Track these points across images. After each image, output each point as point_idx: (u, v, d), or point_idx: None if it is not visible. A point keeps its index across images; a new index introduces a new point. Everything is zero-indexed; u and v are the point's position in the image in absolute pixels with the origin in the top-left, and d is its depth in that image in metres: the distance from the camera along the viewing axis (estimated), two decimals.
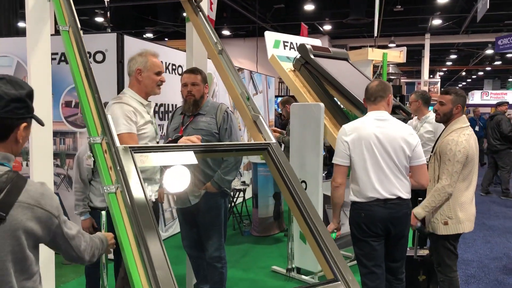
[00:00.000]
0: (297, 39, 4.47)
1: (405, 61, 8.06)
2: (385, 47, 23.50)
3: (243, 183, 6.10)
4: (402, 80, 15.86)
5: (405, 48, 8.26)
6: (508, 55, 25.06)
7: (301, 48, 4.00)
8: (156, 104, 4.80)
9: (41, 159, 2.65)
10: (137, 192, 1.71)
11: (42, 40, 2.69)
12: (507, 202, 7.82)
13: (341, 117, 3.71)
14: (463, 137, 2.84)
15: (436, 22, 19.75)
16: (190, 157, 1.89)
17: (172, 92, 5.09)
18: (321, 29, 20.71)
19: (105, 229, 2.20)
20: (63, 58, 4.44)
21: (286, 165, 2.03)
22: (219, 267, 3.03)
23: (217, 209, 3.01)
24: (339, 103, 3.87)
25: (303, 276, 4.04)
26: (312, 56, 3.93)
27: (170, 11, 16.60)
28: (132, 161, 1.80)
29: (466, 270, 4.40)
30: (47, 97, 2.71)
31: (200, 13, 2.92)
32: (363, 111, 3.58)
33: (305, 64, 3.96)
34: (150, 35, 21.12)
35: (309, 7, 16.84)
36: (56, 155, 4.47)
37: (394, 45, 22.92)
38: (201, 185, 2.98)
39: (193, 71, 3.03)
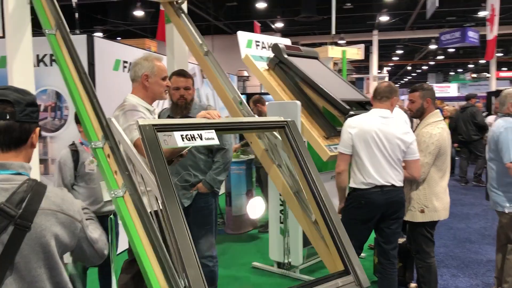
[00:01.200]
0: (268, 39, 4.55)
1: (363, 58, 8.37)
2: (335, 44, 24.12)
3: None
4: (352, 76, 16.33)
5: (363, 46, 8.58)
6: (450, 50, 26.35)
7: (275, 47, 4.09)
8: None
9: None
10: (164, 178, 1.65)
11: (23, 43, 2.62)
12: (462, 190, 8.29)
13: (317, 114, 3.83)
14: (437, 130, 3.06)
15: (383, 19, 20.45)
16: (213, 136, 1.85)
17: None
18: (273, 26, 20.92)
19: (113, 234, 2.18)
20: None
21: (302, 146, 2.05)
22: (211, 266, 3.07)
23: (208, 209, 3.05)
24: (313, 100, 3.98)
25: (289, 272, 4.13)
26: (285, 56, 4.03)
27: (120, 9, 16.24)
28: (156, 141, 1.70)
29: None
30: None
31: (182, 14, 2.94)
32: (337, 107, 3.73)
33: (279, 63, 4.05)
34: (99, 34, 20.58)
35: (261, 5, 16.97)
36: None
37: (344, 41, 23.56)
38: (191, 187, 3.01)
39: (185, 75, 2.96)
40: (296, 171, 2.14)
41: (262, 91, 13.86)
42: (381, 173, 2.89)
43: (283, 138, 2.13)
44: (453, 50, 26.35)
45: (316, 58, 4.49)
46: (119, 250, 3.63)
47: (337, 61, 7.81)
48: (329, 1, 16.57)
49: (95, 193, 3.13)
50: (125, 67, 4.68)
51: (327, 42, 24.28)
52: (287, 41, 4.86)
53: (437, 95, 3.26)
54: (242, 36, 4.30)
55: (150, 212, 1.81)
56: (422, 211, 3.09)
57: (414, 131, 3.15)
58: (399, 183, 2.95)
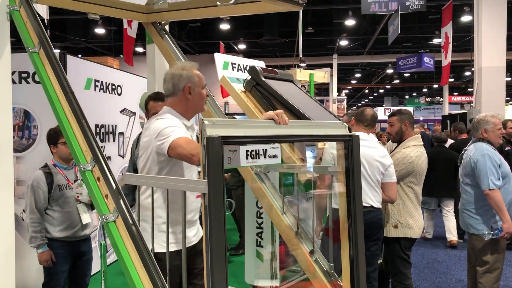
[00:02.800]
0: (244, 61, 4.57)
1: (329, 81, 8.57)
2: (297, 66, 24.55)
3: None
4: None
5: (329, 69, 8.79)
6: (406, 74, 27.44)
7: (252, 70, 4.10)
8: (97, 126, 4.62)
9: (3, 188, 2.45)
10: (218, 205, 1.39)
11: (2, 62, 2.51)
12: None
13: None
14: (415, 153, 3.18)
15: (343, 43, 21.11)
16: (277, 154, 1.64)
17: (113, 113, 4.94)
18: (236, 48, 21.15)
19: (104, 259, 2.09)
20: None
21: (357, 162, 1.92)
22: None
23: None
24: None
25: None
26: (262, 78, 4.06)
27: (79, 26, 15.96)
28: (221, 159, 1.39)
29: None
30: (9, 122, 2.53)
31: (165, 35, 2.91)
32: None
33: (256, 85, 4.07)
34: (58, 51, 20.06)
35: (224, 26, 17.15)
36: None
37: (305, 64, 24.06)
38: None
39: (163, 98, 2.83)
40: (340, 186, 2.03)
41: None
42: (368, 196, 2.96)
43: (340, 151, 1.97)
44: (408, 74, 27.48)
45: (291, 81, 4.55)
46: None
47: (304, 83, 7.98)
48: (291, 25, 16.90)
49: (70, 217, 3.01)
50: (96, 86, 4.57)
51: (291, 64, 24.74)
52: (262, 64, 4.91)
53: None
54: (219, 58, 4.30)
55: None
56: (396, 226, 3.19)
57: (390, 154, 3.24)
58: (377, 204, 3.04)
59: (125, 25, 7.41)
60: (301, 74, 7.71)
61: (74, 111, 2.05)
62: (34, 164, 3.72)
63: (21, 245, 3.69)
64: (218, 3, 2.43)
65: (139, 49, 17.91)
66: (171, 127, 2.06)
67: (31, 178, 3.06)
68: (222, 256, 1.41)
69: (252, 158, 1.55)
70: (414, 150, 3.20)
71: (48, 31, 5.36)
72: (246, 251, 4.18)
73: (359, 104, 45.69)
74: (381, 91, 36.51)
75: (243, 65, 4.54)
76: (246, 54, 22.65)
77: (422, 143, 3.30)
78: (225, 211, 1.45)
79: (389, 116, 3.42)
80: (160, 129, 2.06)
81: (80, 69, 4.35)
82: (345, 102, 26.99)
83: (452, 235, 5.92)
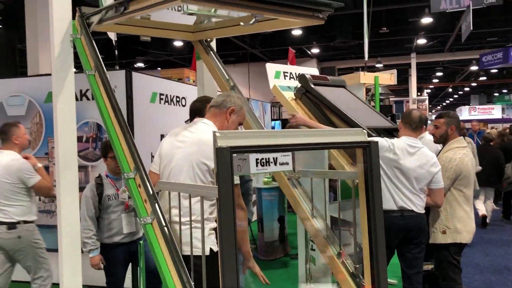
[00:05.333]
0: (296, 69, 4.71)
1: (396, 83, 8.39)
2: (373, 67, 24.10)
3: None
4: (391, 99, 16.20)
5: (395, 71, 8.60)
6: (493, 71, 25.74)
7: (302, 78, 4.24)
8: (162, 135, 4.99)
9: (69, 193, 2.81)
10: (228, 212, 1.54)
11: (67, 81, 2.85)
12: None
13: None
14: (458, 155, 3.12)
15: (421, 41, 20.32)
16: (288, 161, 1.74)
17: (178, 123, 5.29)
18: (309, 52, 21.18)
19: (142, 256, 2.35)
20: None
21: (377, 169, 1.99)
22: None
23: None
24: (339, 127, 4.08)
25: None
26: (312, 85, 4.16)
27: (160, 40, 16.92)
28: (230, 167, 1.55)
29: (469, 284, 4.57)
30: (73, 134, 2.88)
31: (211, 52, 3.14)
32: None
33: (306, 93, 4.19)
34: (141, 64, 21.43)
35: (296, 32, 17.27)
36: None
37: (381, 65, 23.50)
38: None
39: None
40: (361, 192, 2.06)
41: None
42: (402, 198, 2.98)
43: (360, 158, 2.02)
44: (496, 70, 25.77)
45: (343, 86, 4.60)
46: None
47: (369, 86, 7.87)
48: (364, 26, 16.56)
49: (117, 225, 3.35)
50: (161, 99, 4.96)
51: (363, 66, 24.24)
52: (315, 71, 5.01)
53: (480, 117, 3.29)
54: (271, 68, 4.48)
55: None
56: (444, 232, 3.14)
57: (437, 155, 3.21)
58: (420, 209, 3.01)
59: None
60: (365, 77, 7.61)
61: (121, 126, 2.33)
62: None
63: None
64: (241, 23, 2.60)
65: None
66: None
67: (85, 189, 3.43)
68: (233, 254, 1.56)
69: (262, 165, 1.69)
70: (457, 153, 3.15)
71: (116, 51, 5.87)
72: (299, 255, 4.30)
73: (443, 104, 43.47)
74: (466, 89, 34.47)
75: (295, 73, 4.68)
76: (320, 57, 22.60)
77: (465, 145, 3.23)
78: (235, 214, 1.61)
79: (436, 118, 3.38)
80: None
81: (145, 84, 4.74)
82: (426, 102, 25.99)
83: (486, 212, 6.97)
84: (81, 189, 4.70)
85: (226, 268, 1.54)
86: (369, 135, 3.70)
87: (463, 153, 3.16)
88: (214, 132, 1.58)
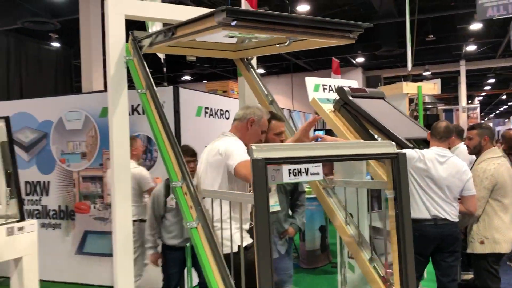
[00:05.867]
0: (335, 82, 4.84)
1: (440, 92, 8.31)
2: (420, 75, 23.64)
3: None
4: (439, 108, 15.88)
5: (439, 80, 8.52)
6: None
7: (340, 90, 4.37)
8: None
9: (123, 201, 3.08)
10: (263, 219, 1.70)
11: (121, 99, 3.13)
12: None
13: None
14: (492, 165, 3.17)
15: (470, 48, 19.81)
16: (318, 171, 1.87)
17: None
18: (353, 62, 21.10)
19: (189, 258, 2.57)
20: None
21: (405, 180, 2.09)
22: None
23: (289, 246, 3.38)
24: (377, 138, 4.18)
25: None
26: (350, 98, 4.29)
27: None
28: (265, 178, 1.72)
29: None
30: (126, 146, 3.16)
31: (251, 69, 3.35)
32: (401, 145, 3.90)
33: (344, 105, 4.31)
34: (187, 77, 22.10)
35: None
36: None
37: (429, 73, 23.04)
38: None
39: (282, 119, 3.17)
40: (390, 201, 2.16)
41: None
42: (435, 207, 3.05)
43: (389, 168, 2.13)
44: None
45: (382, 98, 4.69)
46: None
47: (412, 96, 7.84)
48: (410, 34, 16.39)
49: (178, 229, 3.59)
50: (206, 112, 5.23)
51: (413, 74, 23.80)
52: (354, 83, 5.12)
53: None
54: (310, 81, 4.64)
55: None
56: (482, 242, 3.18)
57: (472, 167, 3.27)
58: (453, 217, 3.07)
59: None
60: (408, 87, 7.60)
61: (169, 140, 2.56)
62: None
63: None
64: (277, 45, 2.79)
65: None
66: (236, 152, 2.47)
67: (155, 189, 3.71)
68: (267, 254, 1.74)
69: (294, 175, 1.86)
70: (491, 163, 3.19)
71: (165, 68, 6.22)
72: (338, 262, 4.40)
73: (497, 112, 41.82)
74: None
75: (334, 85, 4.81)
76: (365, 67, 22.46)
77: (500, 155, 3.26)
78: (269, 218, 1.79)
79: (468, 129, 3.44)
80: (228, 151, 2.49)
81: (191, 99, 5.03)
82: (478, 110, 25.16)
83: None
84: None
85: (261, 261, 1.71)
86: (405, 146, 3.79)
87: (498, 163, 3.20)
88: (250, 146, 1.77)
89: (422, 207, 3.05)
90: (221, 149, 2.56)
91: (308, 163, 1.89)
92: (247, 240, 2.50)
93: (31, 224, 3.76)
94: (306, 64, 20.70)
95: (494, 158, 3.26)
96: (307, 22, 2.15)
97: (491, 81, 28.44)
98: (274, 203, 3.12)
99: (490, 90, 31.59)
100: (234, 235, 2.34)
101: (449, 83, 28.01)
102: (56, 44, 14.30)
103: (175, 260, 3.59)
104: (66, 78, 10.23)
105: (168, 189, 3.64)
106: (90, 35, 9.19)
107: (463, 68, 23.29)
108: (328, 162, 2.12)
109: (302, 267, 5.73)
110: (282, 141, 3.17)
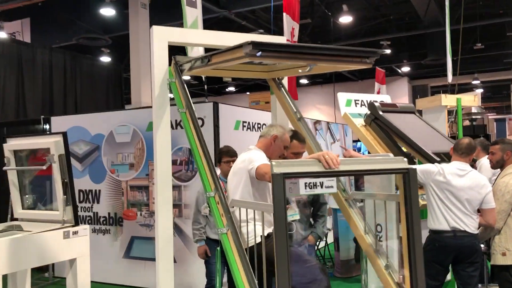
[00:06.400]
0: (366, 97, 5.03)
1: (480, 104, 8.23)
2: (469, 84, 23.00)
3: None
4: (491, 117, 15.40)
5: (479, 92, 8.45)
6: None
7: (371, 105, 4.56)
8: None
9: (165, 209, 3.39)
10: (281, 226, 1.96)
11: (164, 116, 3.46)
12: None
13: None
14: None
15: None
16: (333, 185, 2.11)
17: None
18: (399, 71, 20.90)
19: (219, 260, 2.85)
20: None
21: (415, 195, 2.28)
22: None
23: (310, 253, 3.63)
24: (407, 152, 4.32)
25: None
26: (380, 112, 4.47)
27: None
28: (283, 190, 1.97)
29: None
30: (168, 158, 3.48)
31: (282, 88, 3.61)
32: (429, 159, 4.03)
33: (375, 119, 4.50)
34: (232, 88, 22.64)
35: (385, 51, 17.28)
36: None
37: (478, 81, 22.42)
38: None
39: (304, 141, 3.39)
40: (402, 213, 2.34)
41: None
42: (455, 219, 3.19)
43: (401, 183, 2.32)
44: None
45: (412, 112, 4.83)
46: None
47: (451, 109, 7.81)
48: (457, 43, 16.18)
49: None
50: (244, 126, 5.53)
51: (460, 83, 23.26)
52: (387, 98, 5.28)
53: None
54: (342, 97, 4.86)
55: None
56: (504, 254, 3.27)
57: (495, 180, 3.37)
58: (473, 229, 3.18)
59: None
60: (447, 100, 7.59)
61: (205, 154, 2.86)
62: (197, 191, 4.72)
63: (188, 254, 4.69)
64: (300, 71, 3.04)
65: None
66: (258, 158, 2.80)
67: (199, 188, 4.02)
68: (285, 254, 2.00)
69: (310, 188, 2.12)
70: None
71: (205, 86, 6.59)
72: (362, 270, 4.54)
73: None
74: None
75: (366, 101, 5.01)
76: (411, 76, 22.17)
77: None
78: (286, 223, 2.05)
79: (491, 145, 3.54)
80: (251, 158, 2.83)
81: (229, 113, 5.35)
82: None
83: None
84: (175, 206, 5.39)
85: (279, 260, 1.98)
86: (431, 159, 3.92)
87: None
88: (271, 161, 2.04)
89: (441, 219, 3.19)
90: (245, 158, 2.92)
91: (322, 177, 2.13)
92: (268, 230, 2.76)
93: (84, 229, 4.17)
94: (350, 74, 20.68)
95: None
96: (324, 51, 2.39)
97: None
98: (294, 213, 3.36)
99: None
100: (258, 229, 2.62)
101: (501, 92, 27.08)
102: (106, 59, 15.17)
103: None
104: (116, 92, 10.86)
105: None
106: (139, 50, 9.74)
107: None
108: (341, 176, 2.33)
109: (336, 276, 5.89)
110: None
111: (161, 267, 3.32)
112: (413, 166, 2.32)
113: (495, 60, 20.31)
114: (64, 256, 3.99)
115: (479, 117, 11.43)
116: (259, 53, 2.27)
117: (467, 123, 11.27)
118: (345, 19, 13.62)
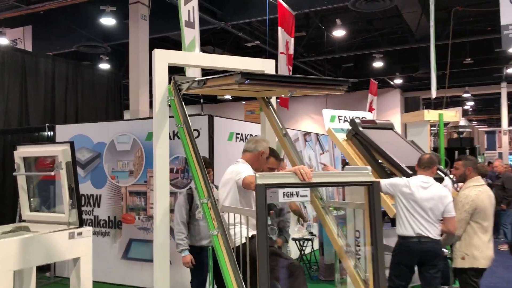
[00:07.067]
0: (349, 113, 5.45)
1: (460, 120, 8.67)
2: (459, 97, 23.48)
3: (311, 233, 6.99)
4: (481, 130, 15.88)
5: (460, 108, 8.89)
6: None
7: (352, 122, 4.98)
8: None
9: (162, 214, 3.77)
10: (262, 228, 2.37)
11: (163, 130, 3.85)
12: None
13: (384, 178, 4.57)
14: (474, 192, 3.69)
15: (511, 70, 19.72)
16: (307, 194, 2.51)
17: None
18: (391, 83, 21.38)
19: (210, 259, 3.24)
20: None
21: (378, 205, 2.66)
22: None
23: None
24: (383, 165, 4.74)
25: None
26: (360, 128, 4.89)
27: None
28: (264, 199, 2.36)
29: None
30: (166, 167, 3.85)
31: (270, 106, 4.02)
32: (402, 172, 4.45)
33: (355, 135, 4.91)
34: (228, 97, 23.04)
35: (377, 64, 17.73)
36: None
37: (469, 95, 22.97)
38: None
39: (279, 159, 3.84)
40: (366, 224, 2.76)
41: None
42: (419, 226, 3.60)
43: (365, 195, 2.68)
44: None
45: (390, 129, 5.25)
46: None
47: (434, 123, 8.22)
48: (447, 57, 16.67)
49: (203, 231, 4.22)
50: (237, 137, 5.94)
51: (452, 95, 23.73)
52: (368, 115, 5.70)
53: None
54: (327, 113, 5.27)
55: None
56: (463, 258, 3.69)
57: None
58: (435, 235, 3.60)
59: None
60: (429, 115, 8.02)
61: (199, 165, 3.26)
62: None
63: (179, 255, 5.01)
64: (282, 95, 3.46)
65: None
66: (244, 170, 3.19)
67: (178, 198, 4.37)
68: (265, 247, 2.39)
69: (288, 196, 2.53)
70: (473, 190, 3.71)
71: (202, 100, 6.97)
72: (335, 270, 4.93)
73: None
74: None
75: (348, 117, 5.43)
76: (403, 88, 22.65)
77: (482, 183, 3.76)
78: (267, 226, 2.45)
79: (455, 161, 3.97)
80: (239, 170, 3.22)
81: (223, 126, 5.76)
82: None
83: None
84: (171, 211, 5.74)
85: (260, 255, 2.37)
86: (405, 173, 4.34)
87: (479, 190, 3.72)
88: (255, 173, 2.44)
89: (408, 226, 3.60)
90: (233, 170, 3.33)
91: (298, 187, 2.54)
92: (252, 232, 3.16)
93: (88, 230, 4.54)
94: None
95: (477, 186, 3.78)
96: (303, 79, 2.81)
97: None
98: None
99: None
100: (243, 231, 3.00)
101: (493, 105, 27.65)
102: (105, 65, 15.50)
103: (205, 260, 4.15)
104: (116, 100, 11.20)
105: (190, 197, 4.30)
106: (138, 61, 9.99)
107: (504, 90, 23.10)
108: (314, 187, 2.74)
109: (321, 279, 6.27)
110: None
111: (159, 267, 3.66)
112: (377, 180, 2.72)
113: (485, 74, 20.87)
114: (70, 255, 4.36)
115: (467, 130, 11.81)
116: (247, 81, 2.69)
117: (455, 136, 11.68)
118: (339, 33, 14.03)
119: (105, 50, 13.31)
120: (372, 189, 2.70)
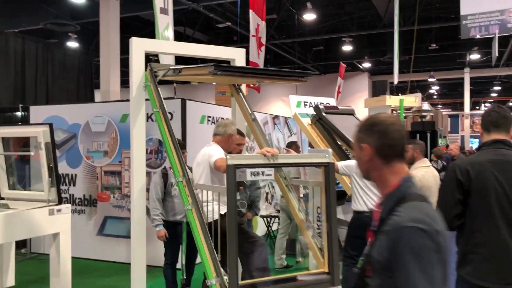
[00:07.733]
0: (314, 100, 5.83)
1: (420, 105, 9.21)
2: (425, 81, 24.21)
3: (278, 211, 7.41)
4: (445, 113, 16.51)
5: (420, 94, 9.43)
6: None
7: (316, 107, 5.36)
8: None
9: (139, 192, 4.06)
10: (233, 203, 2.89)
11: (140, 112, 4.09)
12: None
13: (344, 159, 4.99)
14: (421, 172, 4.12)
15: (474, 56, 20.47)
16: (271, 173, 2.87)
17: None
18: (360, 67, 21.89)
19: (185, 232, 3.58)
20: None
21: (333, 183, 3.02)
22: None
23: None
24: (344, 148, 5.16)
25: None
26: (324, 114, 5.27)
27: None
28: (234, 177, 2.65)
29: None
30: (143, 148, 4.12)
31: (240, 93, 4.33)
32: None
33: (319, 119, 5.30)
34: (180, 99, 22.97)
35: (347, 47, 18.13)
36: None
37: (434, 79, 23.77)
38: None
39: (243, 134, 4.21)
40: (322, 200, 3.18)
41: None
42: (371, 202, 4.00)
43: (322, 174, 3.04)
44: None
45: (351, 114, 5.66)
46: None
47: (394, 109, 8.74)
48: (412, 42, 17.21)
49: (177, 207, 4.53)
50: (208, 120, 6.23)
51: (417, 79, 24.43)
52: (331, 101, 6.09)
53: None
54: (293, 99, 5.63)
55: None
56: None
57: None
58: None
59: (252, 59, 8.36)
60: (391, 100, 8.53)
61: (174, 147, 3.56)
62: None
63: (154, 231, 5.34)
64: (251, 84, 3.79)
65: None
66: (219, 152, 3.54)
67: (153, 177, 4.65)
68: (234, 222, 2.73)
69: (254, 175, 2.88)
70: (420, 170, 4.15)
71: (175, 84, 7.20)
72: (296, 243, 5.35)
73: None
74: None
75: (314, 102, 5.80)
76: (371, 71, 23.19)
77: (428, 165, 4.21)
78: (236, 202, 2.80)
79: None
80: (211, 153, 3.55)
81: (195, 109, 6.05)
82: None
83: None
84: (147, 190, 6.02)
85: (230, 229, 2.71)
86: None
87: (425, 171, 4.17)
88: (226, 155, 2.78)
89: (361, 202, 4.02)
90: (206, 152, 3.67)
91: (263, 167, 2.90)
92: (224, 209, 3.51)
93: (67, 207, 4.79)
94: (314, 68, 21.52)
95: (423, 167, 4.22)
96: (269, 71, 3.14)
97: (497, 88, 29.02)
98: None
99: (496, 97, 32.13)
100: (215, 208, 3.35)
101: (456, 89, 28.67)
102: (74, 44, 15.28)
103: (175, 234, 4.47)
104: (87, 80, 11.22)
105: (164, 176, 4.59)
106: (109, 39, 9.84)
107: (467, 75, 23.94)
108: (277, 167, 3.11)
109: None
110: (241, 150, 4.20)
111: (136, 243, 3.90)
112: (333, 161, 3.11)
113: (449, 60, 21.61)
114: (50, 230, 4.61)
115: (429, 114, 12.37)
116: (219, 72, 2.99)
117: (418, 119, 12.23)
118: (309, 16, 14.24)
119: (73, 28, 13.08)
120: (328, 169, 3.07)
